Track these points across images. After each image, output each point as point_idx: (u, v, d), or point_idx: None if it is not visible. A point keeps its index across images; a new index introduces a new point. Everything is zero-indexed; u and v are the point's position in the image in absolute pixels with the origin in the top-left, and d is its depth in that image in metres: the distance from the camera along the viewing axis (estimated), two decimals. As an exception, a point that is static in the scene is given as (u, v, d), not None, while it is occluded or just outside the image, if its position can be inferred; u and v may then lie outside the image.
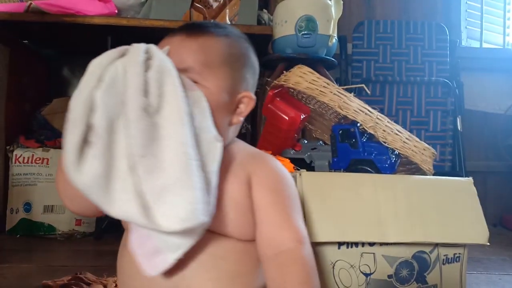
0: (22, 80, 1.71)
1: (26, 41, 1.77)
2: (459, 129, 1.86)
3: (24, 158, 1.58)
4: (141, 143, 0.52)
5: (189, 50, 0.63)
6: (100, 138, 0.52)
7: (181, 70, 0.60)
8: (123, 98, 0.54)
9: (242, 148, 0.71)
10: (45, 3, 1.49)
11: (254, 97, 0.67)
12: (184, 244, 0.56)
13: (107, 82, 0.53)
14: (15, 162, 1.57)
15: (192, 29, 0.66)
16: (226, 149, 0.67)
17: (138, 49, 0.57)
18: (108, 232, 1.54)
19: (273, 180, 0.66)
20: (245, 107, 0.67)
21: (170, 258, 0.56)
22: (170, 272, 0.60)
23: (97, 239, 1.53)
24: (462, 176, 1.23)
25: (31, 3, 1.46)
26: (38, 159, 1.58)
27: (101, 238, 1.53)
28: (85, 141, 0.52)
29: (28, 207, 1.56)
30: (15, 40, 1.67)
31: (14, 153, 1.58)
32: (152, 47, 0.59)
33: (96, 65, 0.55)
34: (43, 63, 1.94)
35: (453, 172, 1.83)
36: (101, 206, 0.53)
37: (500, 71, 2.18)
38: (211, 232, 0.61)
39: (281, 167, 0.70)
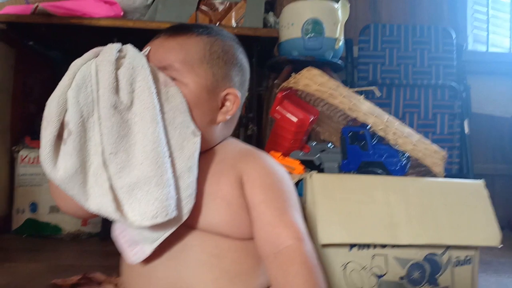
0: (27, 81, 1.72)
1: (31, 43, 1.77)
2: (466, 132, 1.85)
3: (29, 158, 1.58)
4: (112, 140, 0.54)
5: (168, 49, 0.64)
6: (73, 135, 0.54)
7: (161, 68, 0.61)
8: (94, 96, 0.55)
9: (233, 146, 0.70)
10: (51, 5, 1.49)
11: (239, 94, 0.67)
12: (158, 237, 0.57)
13: (78, 81, 0.55)
14: (21, 163, 1.58)
15: (173, 29, 0.67)
16: (216, 148, 0.68)
17: (111, 49, 0.58)
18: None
19: (264, 177, 0.65)
20: (231, 105, 0.67)
21: (147, 249, 0.58)
22: (171, 272, 0.60)
23: (102, 240, 1.53)
24: (470, 179, 1.22)
25: (37, 5, 1.46)
26: (44, 160, 1.58)
27: (106, 238, 1.53)
28: (60, 138, 0.54)
29: (34, 207, 1.56)
30: (21, 42, 1.67)
31: (20, 153, 1.58)
32: (127, 46, 0.61)
33: (72, 65, 0.57)
34: (48, 65, 1.94)
35: (460, 175, 1.82)
36: (79, 201, 0.55)
37: (506, 75, 2.18)
38: (208, 233, 0.61)
39: (273, 162, 0.69)
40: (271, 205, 0.62)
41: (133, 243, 0.59)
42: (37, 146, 1.60)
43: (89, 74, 0.56)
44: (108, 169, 0.54)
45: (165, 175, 0.54)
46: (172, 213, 0.54)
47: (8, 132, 1.60)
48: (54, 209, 1.56)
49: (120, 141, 0.54)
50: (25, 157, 1.58)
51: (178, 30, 0.67)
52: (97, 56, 0.58)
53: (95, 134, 0.55)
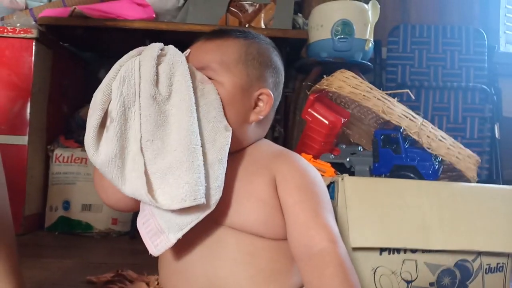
0: (63, 82, 1.77)
1: (67, 44, 1.83)
2: (496, 136, 1.81)
3: (64, 157, 1.63)
4: (150, 128, 0.58)
5: (206, 51, 0.68)
6: (114, 122, 0.58)
7: (199, 69, 0.65)
8: (136, 88, 0.60)
9: (267, 147, 0.72)
10: (88, 7, 1.54)
11: (272, 95, 0.69)
12: (184, 225, 0.58)
13: (123, 74, 0.60)
14: (55, 161, 1.62)
15: (212, 33, 0.71)
16: (250, 149, 0.70)
17: (153, 47, 0.63)
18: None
19: (298, 178, 0.66)
20: (264, 105, 0.68)
21: (172, 238, 0.59)
22: (207, 269, 0.62)
23: (132, 238, 1.56)
24: (499, 184, 1.20)
25: (75, 8, 1.51)
26: (77, 158, 1.63)
27: (136, 237, 1.56)
28: (103, 126, 0.59)
29: (67, 205, 1.60)
30: (57, 43, 1.73)
31: (55, 152, 1.63)
32: (169, 46, 0.65)
33: (118, 62, 0.62)
34: (82, 66, 2.00)
35: (489, 180, 1.79)
36: (116, 185, 0.59)
37: (539, 77, 2.12)
38: (243, 231, 0.63)
39: (307, 164, 0.70)
40: (305, 207, 0.63)
41: (157, 233, 0.60)
42: (71, 146, 1.66)
43: (132, 68, 0.60)
44: (144, 155, 0.58)
45: (196, 161, 0.57)
46: (201, 199, 0.56)
47: (44, 131, 1.65)
48: (86, 207, 1.60)
49: (157, 130, 0.58)
50: (60, 156, 1.63)
51: (217, 33, 0.70)
52: (140, 54, 0.62)
53: (135, 123, 0.59)
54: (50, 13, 1.55)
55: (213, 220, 0.62)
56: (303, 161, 0.70)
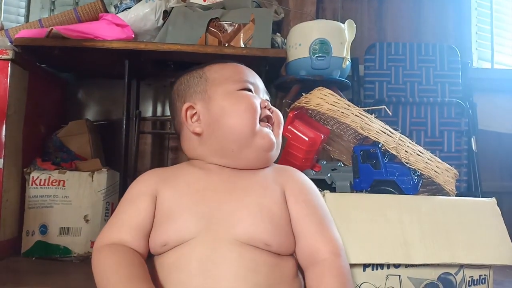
0: (39, 103, 1.74)
1: (44, 65, 1.80)
2: (474, 149, 1.85)
3: (41, 180, 1.59)
4: None
5: None
6: None
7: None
8: None
9: None
10: (65, 28, 1.52)
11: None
12: None
13: None
14: (32, 185, 1.58)
15: None
16: None
17: None
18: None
19: (305, 192, 0.74)
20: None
21: None
22: (207, 283, 0.62)
23: (112, 262, 1.52)
24: (478, 197, 1.22)
25: (52, 29, 1.50)
26: (54, 181, 1.59)
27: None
28: None
29: (44, 229, 1.56)
30: (34, 64, 1.70)
31: (31, 175, 1.59)
32: None
33: None
34: (59, 86, 1.97)
35: (469, 192, 1.81)
36: None
37: (512, 92, 2.18)
38: (247, 245, 0.65)
39: (307, 178, 0.78)
40: (314, 220, 0.71)
41: None
42: (48, 168, 1.62)
43: None
44: None
45: None
46: None
47: (20, 153, 1.61)
48: (64, 231, 1.56)
49: None
50: (36, 178, 1.59)
51: None
52: None
53: None
54: (26, 34, 1.53)
55: (219, 233, 0.65)
56: (304, 175, 0.79)
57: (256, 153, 0.75)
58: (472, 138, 1.86)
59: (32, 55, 1.63)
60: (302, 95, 1.02)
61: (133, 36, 1.66)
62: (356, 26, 1.65)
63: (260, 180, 0.73)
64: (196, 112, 0.77)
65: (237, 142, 0.74)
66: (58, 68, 1.90)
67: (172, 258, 0.66)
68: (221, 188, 0.72)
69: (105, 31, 1.56)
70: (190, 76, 0.81)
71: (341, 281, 0.65)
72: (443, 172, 0.90)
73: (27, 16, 2.11)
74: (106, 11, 1.71)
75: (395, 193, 0.92)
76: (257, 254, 0.65)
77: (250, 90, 0.78)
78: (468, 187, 1.84)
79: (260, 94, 0.80)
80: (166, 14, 1.71)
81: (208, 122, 0.76)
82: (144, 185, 0.75)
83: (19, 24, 1.68)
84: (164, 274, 0.66)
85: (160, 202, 0.72)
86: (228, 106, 0.75)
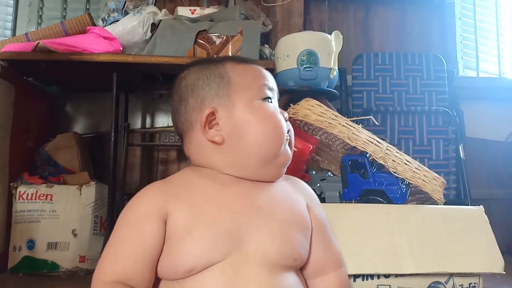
0: (26, 117, 1.72)
1: (31, 79, 1.79)
2: (462, 156, 1.87)
3: (28, 194, 1.56)
4: None
5: None
6: None
7: None
8: None
9: None
10: (52, 41, 1.52)
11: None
12: None
13: None
14: (19, 199, 1.56)
15: None
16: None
17: None
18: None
19: (318, 203, 0.77)
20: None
21: None
22: None
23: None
24: (467, 204, 1.22)
25: (38, 42, 1.49)
26: (42, 195, 1.57)
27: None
28: None
29: (31, 244, 1.53)
30: (20, 78, 1.69)
31: (18, 189, 1.57)
32: None
33: None
34: (46, 100, 1.95)
35: (458, 200, 1.82)
36: None
37: (497, 100, 2.21)
38: (277, 265, 0.64)
39: None
40: (327, 232, 0.75)
41: None
42: (36, 182, 1.60)
43: None
44: None
45: None
46: None
47: (7, 168, 1.59)
48: (52, 245, 1.54)
49: None
50: (23, 193, 1.57)
51: None
52: None
53: None
54: (12, 47, 1.52)
55: (249, 252, 0.63)
56: None
57: (276, 169, 0.72)
58: (460, 146, 1.88)
59: (18, 69, 1.62)
60: (290, 105, 1.03)
61: (121, 49, 1.66)
62: (343, 37, 1.67)
63: (282, 191, 0.73)
64: (215, 118, 0.70)
65: (261, 159, 0.70)
66: (46, 81, 1.89)
67: (198, 283, 0.61)
68: (245, 202, 0.67)
69: (93, 44, 1.56)
70: (208, 72, 0.73)
71: None
72: (430, 181, 0.91)
73: (13, 30, 2.11)
74: (94, 24, 1.71)
75: (384, 203, 0.92)
76: (286, 273, 0.65)
77: (270, 98, 0.74)
78: (458, 194, 1.86)
79: (276, 99, 0.77)
80: (154, 26, 1.71)
81: (229, 133, 0.69)
82: (151, 205, 0.65)
83: (5, 38, 1.67)
84: None
85: (174, 222, 0.64)
86: (254, 122, 0.69)
